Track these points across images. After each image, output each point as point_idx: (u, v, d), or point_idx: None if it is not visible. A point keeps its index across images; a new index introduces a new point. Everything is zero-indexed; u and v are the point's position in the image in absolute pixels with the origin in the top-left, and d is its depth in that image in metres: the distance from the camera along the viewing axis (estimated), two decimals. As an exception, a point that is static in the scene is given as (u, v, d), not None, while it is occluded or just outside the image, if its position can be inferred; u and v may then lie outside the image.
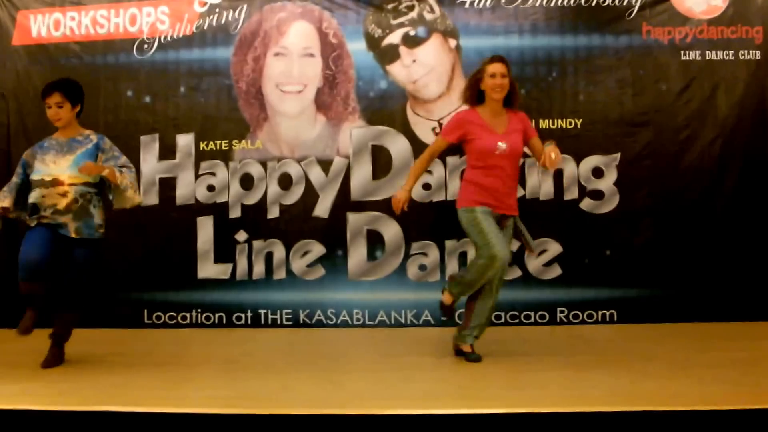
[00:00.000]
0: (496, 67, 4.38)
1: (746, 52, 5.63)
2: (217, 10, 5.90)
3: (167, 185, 5.82)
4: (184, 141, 5.83)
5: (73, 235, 4.34)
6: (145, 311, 5.77)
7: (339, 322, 5.69)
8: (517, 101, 4.52)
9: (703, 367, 4.09)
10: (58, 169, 4.38)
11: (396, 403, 3.43)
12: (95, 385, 3.94)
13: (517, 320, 5.58)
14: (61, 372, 4.26)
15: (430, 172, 5.63)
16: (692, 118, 5.62)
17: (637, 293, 5.57)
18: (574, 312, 5.58)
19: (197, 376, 4.23)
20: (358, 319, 5.69)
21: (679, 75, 5.66)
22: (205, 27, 5.90)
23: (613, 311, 5.55)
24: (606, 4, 5.70)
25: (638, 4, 5.68)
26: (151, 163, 5.84)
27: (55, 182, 4.34)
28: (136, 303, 5.76)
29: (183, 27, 5.92)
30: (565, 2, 5.71)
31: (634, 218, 5.59)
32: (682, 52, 5.66)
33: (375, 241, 5.69)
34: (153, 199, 5.81)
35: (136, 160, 5.78)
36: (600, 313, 5.57)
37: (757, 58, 5.63)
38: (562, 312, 5.59)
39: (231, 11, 5.89)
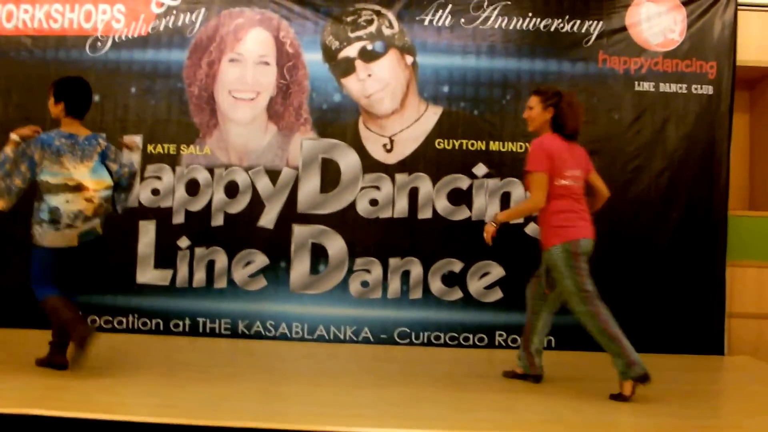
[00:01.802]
0: (529, 100, 4.41)
1: (699, 86, 5.66)
2: (174, 12, 5.82)
3: (112, 186, 5.72)
4: (132, 142, 5.75)
5: (101, 232, 4.41)
6: (80, 313, 5.65)
7: (278, 334, 5.62)
8: (565, 127, 4.29)
9: (639, 399, 4.10)
10: (80, 174, 4.21)
11: (333, 420, 3.43)
12: (28, 386, 3.87)
13: (456, 342, 5.54)
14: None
15: (378, 188, 5.60)
16: (642, 148, 5.64)
17: (575, 321, 5.53)
18: (512, 336, 5.55)
19: (134, 382, 4.17)
20: (297, 333, 5.63)
21: (632, 105, 5.67)
22: (161, 28, 5.81)
23: (551, 337, 5.53)
24: (564, 30, 5.70)
25: (596, 33, 5.69)
26: (96, 163, 5.73)
27: (81, 187, 4.20)
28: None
29: (138, 27, 5.83)
30: (524, 26, 5.71)
31: (579, 246, 5.58)
32: (636, 83, 5.68)
33: (319, 254, 5.63)
34: (96, 200, 5.70)
35: (81, 159, 5.71)
36: (539, 339, 5.55)
37: (710, 93, 5.66)
38: (501, 336, 5.57)
39: (188, 14, 5.81)
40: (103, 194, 4.29)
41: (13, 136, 4.23)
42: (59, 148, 4.21)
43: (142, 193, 5.69)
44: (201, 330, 5.63)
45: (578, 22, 5.70)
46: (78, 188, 4.20)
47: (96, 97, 5.73)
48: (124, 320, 5.66)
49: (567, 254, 4.21)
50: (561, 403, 3.97)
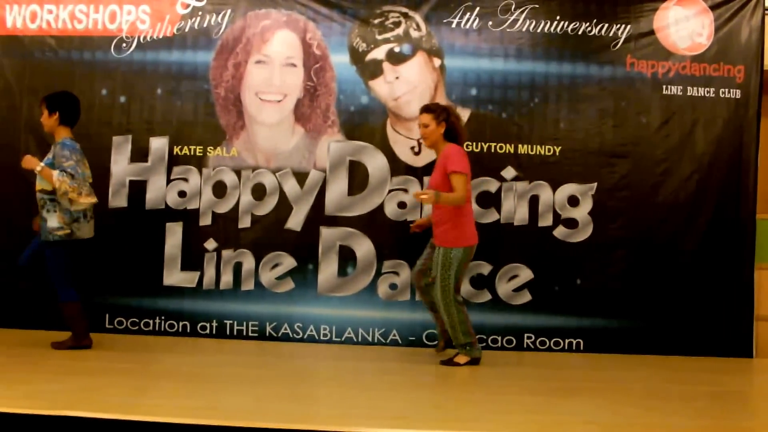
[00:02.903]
0: (420, 118, 5.02)
1: (727, 90, 5.66)
2: (200, 13, 5.79)
3: (137, 188, 5.69)
4: (158, 144, 5.71)
5: (42, 239, 4.92)
6: (107, 315, 5.64)
7: (306, 336, 5.61)
8: (460, 137, 5.02)
9: (671, 399, 4.15)
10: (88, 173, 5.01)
11: (371, 422, 3.43)
12: (64, 388, 3.86)
13: (484, 344, 5.53)
14: (27, 372, 4.14)
15: (405, 191, 5.59)
16: (670, 152, 5.64)
17: (605, 323, 5.57)
18: (541, 339, 5.55)
19: (166, 384, 4.18)
20: (325, 335, 5.61)
21: (660, 109, 5.67)
22: (187, 29, 5.78)
23: (580, 340, 5.54)
24: (592, 33, 5.70)
25: (624, 36, 5.68)
26: (122, 164, 5.70)
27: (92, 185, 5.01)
28: (98, 306, 5.60)
29: (164, 28, 5.80)
30: (552, 29, 5.71)
31: (607, 249, 5.58)
32: (664, 87, 5.67)
33: (347, 257, 5.62)
34: (122, 202, 5.67)
35: (106, 161, 5.69)
36: (567, 341, 5.56)
37: (737, 97, 5.66)
38: (529, 338, 5.57)
39: (214, 15, 5.78)
40: (40, 195, 4.91)
41: (37, 168, 4.87)
42: (81, 152, 4.98)
43: (168, 195, 5.66)
44: (228, 332, 5.61)
45: (606, 25, 5.70)
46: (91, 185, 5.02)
47: (122, 99, 5.76)
48: (151, 322, 5.63)
49: (464, 257, 4.87)
50: (596, 405, 3.99)
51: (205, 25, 5.79)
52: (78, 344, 5.01)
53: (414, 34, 5.73)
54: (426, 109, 5.02)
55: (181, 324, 5.63)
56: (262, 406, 3.74)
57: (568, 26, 5.70)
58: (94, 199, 4.97)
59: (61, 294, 4.93)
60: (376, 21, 5.73)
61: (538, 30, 5.70)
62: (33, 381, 3.99)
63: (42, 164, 4.85)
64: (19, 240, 5.32)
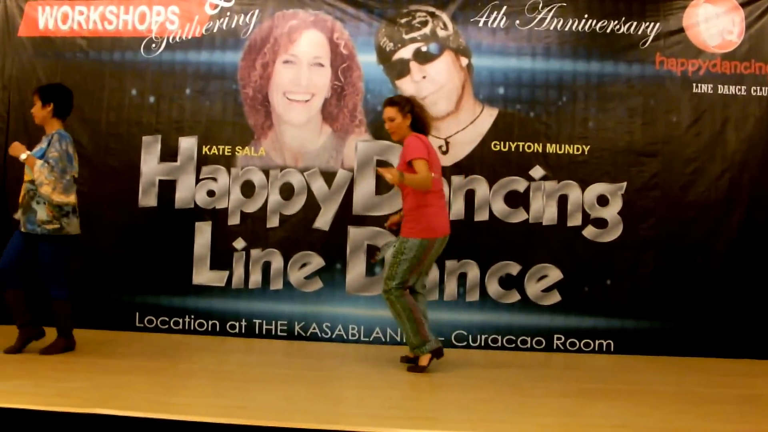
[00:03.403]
0: (385, 112, 4.88)
1: (758, 88, 5.60)
2: (228, 13, 5.83)
3: (167, 188, 5.73)
4: (187, 144, 5.75)
5: (22, 230, 4.68)
6: (137, 314, 5.68)
7: (334, 336, 5.62)
8: (426, 127, 4.91)
9: (705, 402, 4.10)
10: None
11: (397, 423, 3.43)
12: (94, 386, 3.89)
13: (513, 345, 5.51)
14: (59, 371, 4.18)
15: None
16: (701, 151, 5.58)
17: (635, 324, 5.51)
18: (571, 340, 5.52)
19: (195, 383, 4.20)
20: (353, 335, 5.62)
21: (690, 107, 5.62)
22: (215, 30, 5.83)
23: (610, 341, 5.50)
24: (621, 31, 5.66)
25: (653, 34, 5.64)
26: (151, 164, 5.75)
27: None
28: (128, 305, 5.66)
29: (192, 28, 5.84)
30: (580, 27, 5.67)
31: (637, 249, 5.53)
32: (695, 85, 5.62)
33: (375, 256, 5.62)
34: (151, 201, 5.72)
35: (136, 161, 5.75)
36: (597, 342, 5.51)
37: (769, 94, 5.61)
38: (559, 339, 5.53)
39: (242, 15, 5.82)
40: (27, 186, 4.75)
41: (22, 156, 4.72)
42: (74, 145, 4.84)
43: (197, 195, 5.70)
44: (257, 331, 5.63)
45: (635, 23, 5.65)
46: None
47: (151, 99, 5.80)
48: (180, 321, 5.67)
49: (421, 249, 4.65)
50: (625, 408, 3.94)
51: (233, 25, 5.82)
52: (69, 345, 4.83)
53: (441, 33, 5.72)
54: (390, 102, 4.89)
55: (210, 323, 5.66)
56: (291, 406, 3.74)
57: (596, 24, 5.66)
58: (67, 199, 4.71)
59: (54, 290, 4.74)
60: (403, 20, 5.73)
61: (566, 28, 5.68)
62: (65, 379, 4.02)
63: (28, 153, 4.71)
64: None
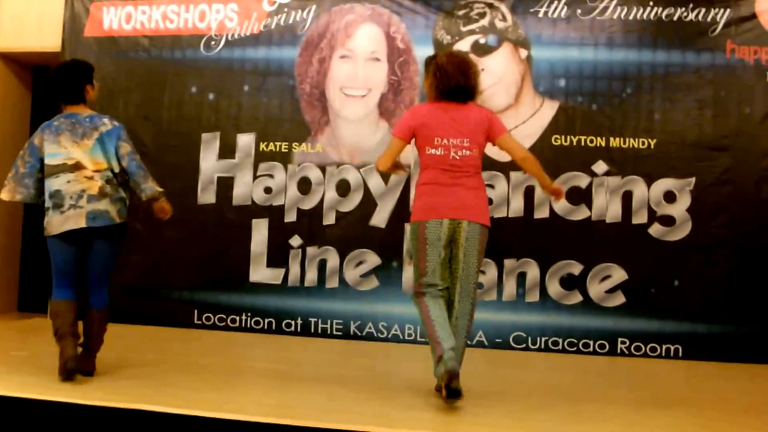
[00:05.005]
0: None
1: (839, 77, 5.26)
2: (286, 9, 5.83)
3: (225, 184, 5.78)
4: (245, 141, 5.78)
5: (118, 220, 3.97)
6: (195, 311, 5.74)
7: (390, 336, 5.54)
8: (445, 90, 3.91)
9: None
10: (78, 153, 3.95)
11: (440, 427, 3.37)
12: (140, 382, 3.91)
13: (575, 348, 5.33)
14: (110, 366, 4.21)
15: (492, 186, 5.43)
16: (777, 145, 5.28)
17: (706, 329, 5.24)
18: (636, 344, 5.29)
19: (244, 381, 4.19)
20: (409, 335, 5.53)
21: (764, 98, 5.30)
22: (273, 26, 5.84)
23: (678, 346, 5.24)
24: (688, 19, 5.39)
25: (723, 21, 5.35)
26: (210, 161, 5.80)
27: (80, 166, 3.94)
28: (187, 302, 5.73)
29: (251, 25, 5.87)
30: (645, 15, 5.44)
31: (707, 248, 5.26)
32: (769, 74, 5.32)
33: (431, 254, 5.52)
34: (210, 198, 5.78)
35: (196, 157, 5.80)
36: (664, 347, 5.26)
37: None
38: (623, 343, 5.31)
39: (299, 11, 5.81)
40: (105, 175, 3.97)
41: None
42: (58, 127, 3.98)
43: (254, 191, 5.72)
44: (313, 330, 5.60)
45: (703, 10, 5.37)
46: (77, 167, 3.94)
47: (210, 96, 5.85)
48: (237, 318, 5.70)
49: (413, 235, 3.88)
50: (693, 419, 3.68)
51: (290, 21, 5.82)
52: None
53: (499, 24, 5.58)
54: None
55: (266, 321, 5.67)
56: (334, 406, 3.66)
57: (662, 12, 5.41)
58: (6, 197, 4.05)
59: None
60: (461, 12, 5.62)
61: (630, 17, 5.45)
62: (116, 375, 4.05)
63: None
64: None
